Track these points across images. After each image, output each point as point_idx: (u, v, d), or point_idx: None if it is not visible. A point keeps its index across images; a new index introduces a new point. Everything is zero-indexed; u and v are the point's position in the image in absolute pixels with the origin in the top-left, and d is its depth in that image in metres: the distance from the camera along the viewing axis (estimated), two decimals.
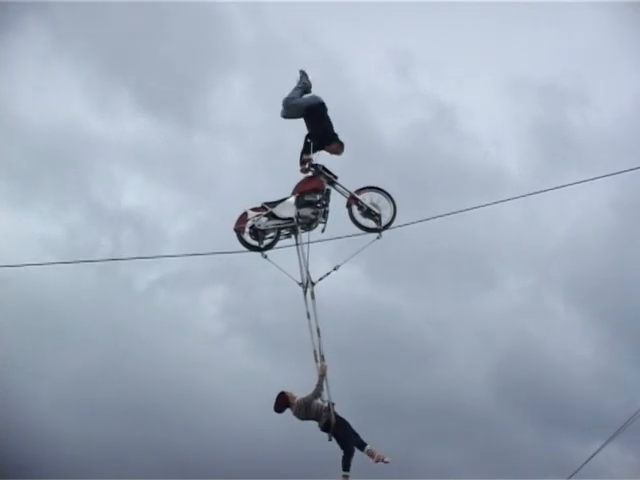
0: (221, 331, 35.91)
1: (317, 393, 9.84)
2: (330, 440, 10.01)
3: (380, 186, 10.78)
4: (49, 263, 13.94)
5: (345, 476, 9.80)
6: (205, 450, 31.37)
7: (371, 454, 9.77)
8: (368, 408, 10.33)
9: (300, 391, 10.18)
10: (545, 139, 40.39)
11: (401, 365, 30.81)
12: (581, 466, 14.86)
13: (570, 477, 14.86)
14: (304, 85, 10.81)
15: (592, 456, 14.84)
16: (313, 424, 10.14)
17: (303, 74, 10.88)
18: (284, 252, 10.83)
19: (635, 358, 33.70)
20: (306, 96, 10.89)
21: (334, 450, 10.25)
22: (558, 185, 12.03)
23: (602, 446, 14.99)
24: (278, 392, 10.17)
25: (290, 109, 10.76)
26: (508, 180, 33.49)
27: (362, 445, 9.86)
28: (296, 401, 9.93)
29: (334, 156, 10.89)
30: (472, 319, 34.99)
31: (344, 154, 10.93)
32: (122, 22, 39.28)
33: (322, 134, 10.75)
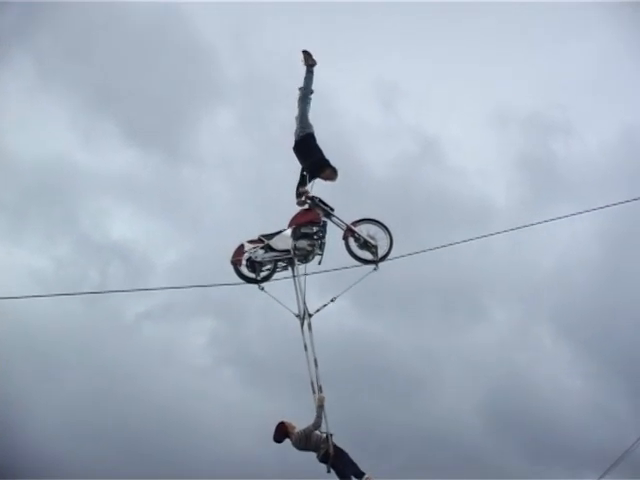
0: (209, 362, 35.78)
1: (317, 424, 9.84)
2: (329, 472, 9.96)
3: (377, 218, 10.81)
4: (33, 296, 13.90)
5: None
6: (196, 474, 31.24)
7: None
8: (357, 440, 10.31)
9: (296, 421, 10.21)
10: (530, 171, 40.57)
11: (390, 397, 30.74)
12: None
13: None
14: (307, 72, 10.70)
15: None
16: (311, 455, 10.09)
17: (306, 54, 10.76)
18: (278, 284, 10.83)
19: (623, 390, 33.76)
20: (297, 126, 10.80)
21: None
22: (545, 219, 12.14)
23: (602, 474, 15.02)
24: (278, 422, 10.18)
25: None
26: (495, 212, 33.64)
27: (360, 475, 9.83)
28: (296, 432, 9.93)
29: (322, 187, 10.89)
30: (460, 351, 35.00)
31: (331, 186, 10.97)
32: (108, 56, 39.39)
33: (314, 164, 10.74)
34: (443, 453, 31.17)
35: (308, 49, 10.68)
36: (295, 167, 11.07)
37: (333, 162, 10.85)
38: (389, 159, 33.58)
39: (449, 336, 35.24)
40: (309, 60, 10.64)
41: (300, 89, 10.83)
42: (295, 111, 10.91)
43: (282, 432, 10.10)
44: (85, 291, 19.40)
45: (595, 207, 12.70)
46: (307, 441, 9.90)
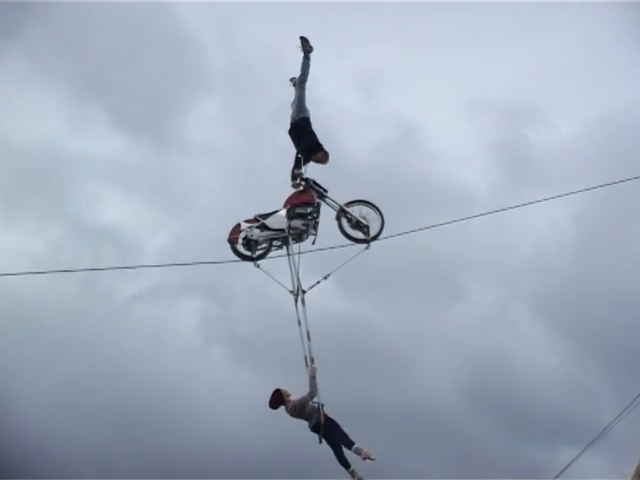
0: (199, 342, 35.92)
1: (312, 394, 9.99)
2: (320, 442, 10.13)
3: (369, 200, 10.93)
4: (28, 273, 13.97)
5: (352, 472, 9.99)
6: (187, 453, 31.36)
7: (359, 452, 9.86)
8: (344, 417, 10.45)
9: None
10: (506, 156, 40.93)
11: (375, 375, 30.92)
12: (558, 474, 14.88)
13: None
14: (305, 59, 10.76)
15: (568, 466, 14.87)
16: (297, 431, 10.41)
17: (304, 42, 10.81)
18: (271, 263, 10.93)
19: (600, 369, 34.13)
20: (293, 110, 10.91)
21: (313, 453, 10.52)
22: (522, 203, 12.24)
23: (578, 455, 15.03)
24: (273, 390, 10.29)
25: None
26: (473, 196, 33.82)
27: (350, 444, 9.97)
28: (292, 401, 10.08)
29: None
30: (443, 331, 35.18)
31: (317, 171, 11.05)
32: (97, 47, 39.38)
33: (307, 147, 10.80)
34: (427, 429, 31.48)
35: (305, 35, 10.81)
36: (280, 152, 11.22)
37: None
38: (370, 145, 33.72)
39: (431, 316, 35.41)
40: (306, 46, 10.71)
41: (292, 79, 10.95)
42: (285, 98, 11.08)
43: (278, 399, 10.23)
44: (80, 270, 19.59)
45: (570, 192, 12.87)
46: (301, 410, 10.06)
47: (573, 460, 14.57)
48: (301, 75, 10.71)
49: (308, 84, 10.83)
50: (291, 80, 10.83)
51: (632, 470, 11.00)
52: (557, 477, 14.43)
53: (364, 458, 9.88)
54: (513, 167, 40.04)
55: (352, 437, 10.11)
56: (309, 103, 10.88)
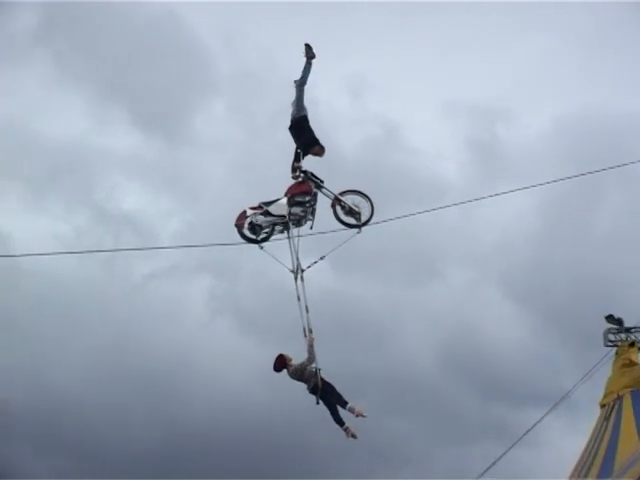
0: (208, 316, 35.85)
1: (311, 360, 9.99)
2: (318, 403, 10.07)
3: (360, 189, 10.83)
4: (57, 253, 13.86)
5: (346, 429, 9.94)
6: (197, 413, 31.37)
7: (352, 410, 9.88)
8: (337, 380, 10.39)
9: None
10: (478, 153, 40.93)
11: (363, 344, 30.92)
12: (525, 434, 14.83)
13: (516, 442, 14.68)
14: (307, 63, 10.55)
15: (534, 425, 14.86)
16: (293, 395, 10.44)
17: (308, 48, 10.59)
18: (274, 245, 10.85)
19: (560, 340, 34.14)
20: (293, 108, 10.74)
21: (311, 413, 10.41)
22: (493, 194, 12.27)
23: (543, 417, 15.01)
24: (277, 355, 10.27)
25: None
26: (449, 188, 33.84)
27: (344, 403, 9.92)
28: (293, 365, 10.09)
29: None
30: (421, 305, 35.21)
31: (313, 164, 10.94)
32: (117, 53, 39.14)
33: (306, 142, 10.69)
34: (407, 390, 31.50)
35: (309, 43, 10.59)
36: (280, 148, 11.11)
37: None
38: (358, 142, 33.59)
39: (412, 293, 35.42)
40: (309, 53, 10.51)
41: (295, 81, 10.77)
42: (284, 99, 11.01)
43: (281, 363, 10.21)
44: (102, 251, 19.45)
45: (534, 184, 12.76)
46: (301, 374, 10.04)
47: (539, 420, 14.54)
48: (301, 78, 10.60)
49: (307, 87, 10.67)
50: (295, 82, 10.68)
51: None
52: (524, 435, 14.38)
53: (357, 415, 9.86)
54: (485, 162, 40.01)
55: (346, 397, 10.03)
56: (307, 103, 10.72)
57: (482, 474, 14.57)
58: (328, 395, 9.97)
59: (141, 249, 15.32)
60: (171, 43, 39.65)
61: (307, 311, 10.23)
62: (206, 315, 35.86)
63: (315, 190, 10.68)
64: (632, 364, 19.23)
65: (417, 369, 32.37)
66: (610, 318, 19.83)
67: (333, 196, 10.72)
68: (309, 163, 10.78)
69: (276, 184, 10.94)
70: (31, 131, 40.88)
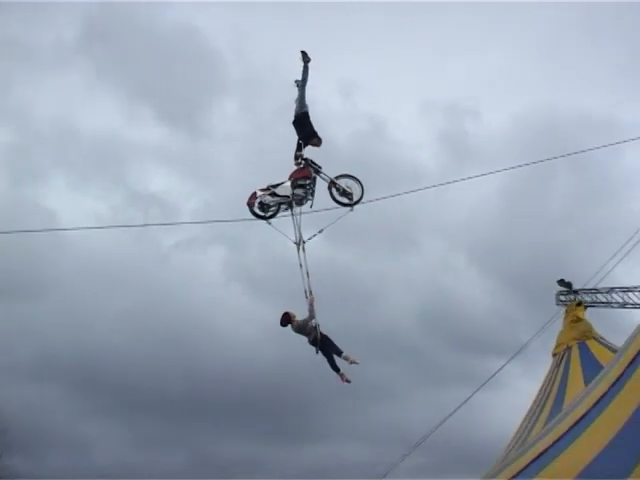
0: (222, 281, 36.27)
1: (312, 316, 10.12)
2: (317, 353, 10.17)
3: (352, 174, 10.83)
4: (96, 227, 14.05)
5: (341, 374, 10.07)
6: (213, 363, 31.77)
7: (346, 359, 10.01)
8: (332, 334, 10.57)
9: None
10: (450, 144, 41.37)
11: (353, 305, 31.31)
12: (489, 378, 14.96)
13: (482, 385, 14.77)
14: (305, 67, 10.52)
15: (497, 371, 14.99)
16: (304, 342, 10.30)
17: (304, 54, 10.57)
18: (280, 220, 10.86)
19: (518, 300, 34.55)
20: (296, 105, 10.67)
21: (311, 362, 10.50)
22: (462, 178, 12.38)
23: (504, 364, 15.14)
24: (283, 312, 10.37)
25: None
26: (425, 173, 34.29)
27: (340, 352, 10.06)
28: (297, 321, 10.22)
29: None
30: (402, 272, 35.68)
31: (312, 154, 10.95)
32: (147, 61, 39.33)
33: (306, 134, 10.67)
34: (391, 344, 31.92)
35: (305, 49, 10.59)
36: (284, 140, 11.17)
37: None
38: (350, 134, 33.85)
39: (394, 262, 35.87)
40: (305, 58, 10.53)
41: (296, 81, 10.76)
42: (286, 99, 10.99)
43: (286, 319, 10.32)
44: (134, 226, 19.68)
45: (496, 170, 12.86)
46: (303, 328, 10.18)
47: (501, 367, 14.81)
48: (302, 79, 10.59)
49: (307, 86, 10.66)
50: (295, 82, 10.69)
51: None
52: (489, 380, 14.64)
53: (351, 362, 10.03)
54: (455, 153, 40.54)
55: (341, 348, 10.18)
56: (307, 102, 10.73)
57: (453, 412, 14.86)
58: (326, 346, 10.11)
59: (166, 224, 15.51)
60: (190, 52, 39.98)
61: (308, 276, 10.34)
62: (221, 280, 36.25)
63: (314, 175, 10.70)
64: (579, 320, 19.57)
65: (399, 324, 32.84)
66: (561, 282, 20.14)
67: (329, 180, 10.76)
68: (309, 152, 10.85)
69: (281, 170, 11.01)
70: (75, 126, 41.56)
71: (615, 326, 19.28)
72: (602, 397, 10.47)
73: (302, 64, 10.56)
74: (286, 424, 32.22)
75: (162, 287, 34.30)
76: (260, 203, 10.58)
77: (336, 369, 10.08)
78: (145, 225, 17.08)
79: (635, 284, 19.71)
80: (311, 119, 10.58)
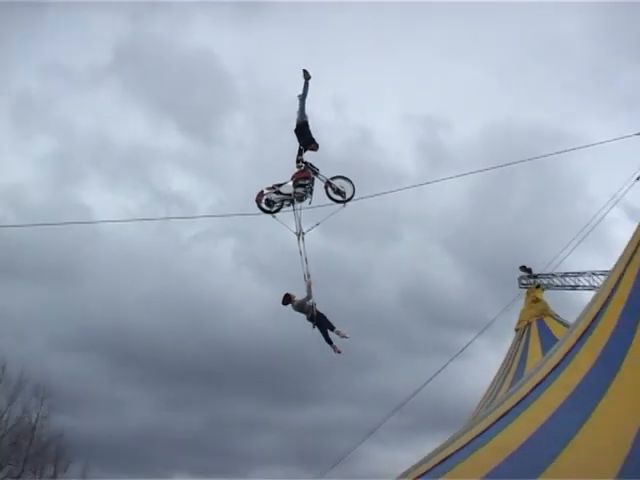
0: (234, 267, 36.33)
1: (309, 297, 10.13)
2: (314, 328, 10.19)
3: (345, 175, 10.81)
4: (124, 220, 14.09)
5: (334, 347, 10.07)
6: (224, 337, 31.90)
7: (338, 333, 10.02)
8: (327, 311, 10.62)
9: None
10: (427, 150, 41.61)
11: (344, 287, 31.44)
12: (460, 350, 14.98)
13: (455, 356, 14.77)
14: (305, 83, 10.44)
15: (467, 344, 15.01)
16: (302, 319, 10.32)
17: (305, 72, 10.49)
18: (283, 215, 10.79)
19: (486, 283, 34.72)
20: (298, 116, 10.59)
21: (308, 336, 10.52)
22: (437, 179, 12.42)
23: (474, 338, 15.16)
24: (284, 293, 10.38)
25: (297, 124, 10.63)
26: (406, 175, 34.54)
27: (333, 328, 10.07)
28: (296, 300, 10.22)
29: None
30: (386, 260, 35.79)
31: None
32: (168, 80, 39.45)
33: (306, 141, 10.62)
34: (375, 321, 32.02)
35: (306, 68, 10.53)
36: (286, 147, 11.16)
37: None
38: (341, 142, 33.93)
39: (380, 251, 35.98)
40: (306, 75, 10.48)
41: (298, 95, 10.73)
42: (288, 112, 10.95)
43: (287, 299, 10.32)
44: (157, 219, 19.72)
45: (466, 173, 12.92)
46: (302, 307, 10.18)
47: (471, 341, 14.91)
48: (303, 94, 10.56)
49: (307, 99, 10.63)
50: (298, 96, 10.65)
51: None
52: (460, 352, 14.74)
53: (342, 337, 10.08)
54: (431, 158, 40.83)
55: (334, 324, 10.23)
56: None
57: (431, 378, 14.93)
58: (321, 322, 10.14)
59: (185, 217, 15.52)
60: (206, 73, 40.23)
61: (306, 262, 10.35)
62: (232, 266, 36.38)
63: (313, 176, 10.68)
64: (537, 300, 19.71)
65: (383, 304, 33.02)
66: (522, 268, 20.26)
67: (325, 180, 10.76)
68: (308, 156, 10.82)
69: (284, 172, 10.99)
70: (108, 135, 41.77)
71: (568, 305, 19.45)
72: (557, 365, 10.58)
73: (303, 80, 10.52)
74: (286, 389, 32.51)
75: (182, 272, 34.48)
76: (266, 200, 10.58)
77: (329, 342, 10.11)
78: (167, 218, 17.13)
79: (584, 269, 19.86)
80: (310, 128, 10.57)
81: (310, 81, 10.49)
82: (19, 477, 19.99)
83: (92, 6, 38.80)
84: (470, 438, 10.21)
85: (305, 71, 10.54)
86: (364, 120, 45.01)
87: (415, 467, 10.63)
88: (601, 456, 7.73)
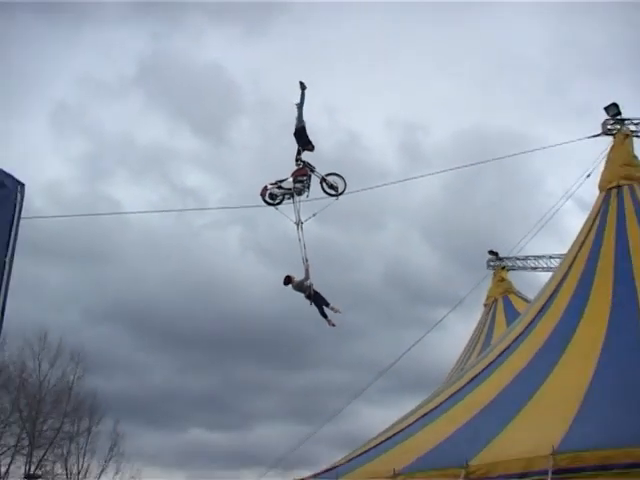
0: (240, 252, 36.22)
1: (307, 277, 10.00)
2: (311, 305, 10.05)
3: (338, 172, 10.73)
4: (149, 211, 14.08)
5: (328, 320, 9.96)
6: (232, 314, 31.95)
7: (332, 308, 9.92)
8: (322, 290, 10.58)
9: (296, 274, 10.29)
10: (407, 150, 41.49)
11: (336, 269, 31.42)
12: (436, 323, 14.93)
13: (429, 330, 14.65)
14: (302, 93, 10.33)
15: (442, 318, 14.95)
16: (301, 297, 10.15)
17: (301, 83, 10.37)
18: (284, 207, 10.59)
19: (459, 265, 34.79)
20: (296, 121, 10.41)
21: (306, 311, 10.34)
22: (416, 176, 12.50)
23: (447, 313, 15.11)
24: (285, 275, 10.24)
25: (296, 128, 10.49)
26: (389, 172, 34.46)
27: (327, 304, 9.95)
28: (295, 281, 10.11)
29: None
30: (372, 245, 35.79)
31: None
32: (183, 90, 39.27)
33: (304, 143, 10.50)
34: (364, 297, 32.13)
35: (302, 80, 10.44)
36: (287, 148, 11.08)
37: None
38: (332, 144, 33.76)
39: (366, 238, 35.95)
40: (302, 86, 10.40)
41: (296, 104, 10.61)
42: (288, 117, 10.82)
43: (287, 280, 10.16)
44: (174, 210, 19.69)
45: (440, 171, 13.18)
46: (300, 286, 10.05)
47: (445, 315, 14.98)
48: (300, 102, 10.47)
49: (292, 112, 10.51)
50: (295, 104, 10.57)
51: None
52: (436, 325, 14.78)
53: (335, 311, 10.00)
54: (411, 157, 40.63)
55: (328, 300, 10.10)
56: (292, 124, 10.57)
57: (410, 347, 14.97)
58: (317, 299, 10.04)
59: (198, 209, 15.48)
60: (215, 83, 40.00)
61: (304, 248, 10.30)
62: (239, 251, 36.29)
63: (310, 173, 10.55)
64: (503, 280, 19.83)
65: (369, 284, 33.08)
66: (490, 252, 20.33)
67: (321, 176, 10.63)
68: (305, 156, 10.68)
69: (284, 170, 10.89)
70: (132, 138, 41.52)
71: (529, 284, 19.53)
72: (519, 335, 10.69)
73: (300, 90, 10.46)
74: (286, 356, 32.66)
75: (195, 256, 34.45)
76: (270, 194, 10.46)
77: (324, 316, 10.05)
78: (183, 210, 17.11)
79: (543, 253, 19.96)
80: (307, 131, 10.50)
81: (306, 91, 10.43)
82: (60, 428, 20.47)
83: (119, 26, 40.54)
84: (445, 397, 10.34)
85: (301, 82, 10.46)
86: (352, 125, 45.28)
87: (400, 421, 10.74)
88: (556, 409, 7.85)
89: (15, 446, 19.90)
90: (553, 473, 6.60)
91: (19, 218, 3.23)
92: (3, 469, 19.45)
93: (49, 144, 43.55)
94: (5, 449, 19.70)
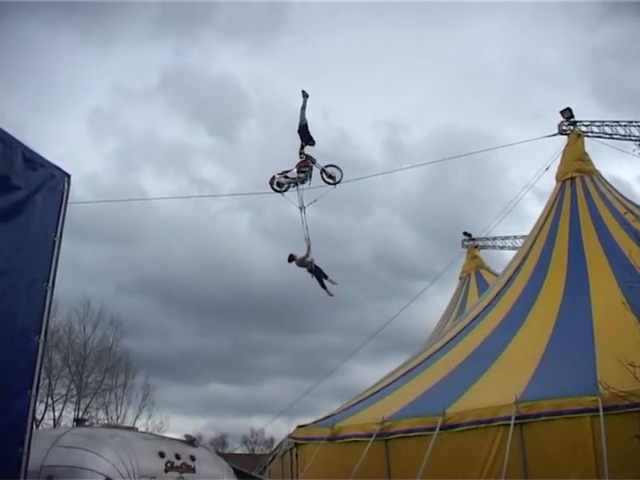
0: (248, 232, 36.23)
1: (308, 255, 9.87)
2: (312, 277, 9.90)
3: (336, 164, 10.47)
4: (170, 197, 14.00)
5: (327, 291, 9.86)
6: (242, 284, 32.08)
7: (330, 281, 9.90)
8: (322, 264, 10.54)
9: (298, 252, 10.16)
10: (391, 147, 41.52)
11: (333, 248, 31.47)
12: (418, 295, 14.79)
13: (412, 300, 14.53)
14: (304, 100, 10.22)
15: (423, 290, 14.83)
16: (303, 271, 10.02)
17: (304, 92, 10.29)
18: (290, 194, 10.55)
19: (437, 244, 34.89)
20: (299, 120, 10.21)
21: (308, 283, 10.25)
22: (397, 169, 12.46)
23: (427, 286, 14.91)
24: (289, 253, 10.08)
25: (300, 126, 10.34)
26: (375, 165, 34.52)
27: (326, 277, 9.83)
28: (298, 258, 9.99)
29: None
30: (362, 229, 35.79)
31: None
32: (200, 97, 39.01)
33: (307, 139, 10.32)
34: (354, 271, 32.32)
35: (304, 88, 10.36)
36: (290, 144, 10.99)
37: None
38: (326, 142, 33.55)
39: (357, 222, 35.94)
40: (305, 94, 10.37)
41: (300, 108, 10.55)
42: (291, 119, 10.76)
43: (291, 257, 9.98)
44: (193, 197, 19.60)
45: (420, 164, 13.18)
46: (303, 263, 9.88)
47: (425, 287, 15.01)
48: (302, 107, 10.40)
49: (290, 113, 10.50)
50: (300, 109, 10.52)
51: None
52: (417, 296, 14.73)
53: (333, 283, 9.92)
54: (394, 152, 40.67)
55: (326, 273, 9.97)
56: (292, 124, 10.50)
57: (396, 315, 14.92)
58: (317, 273, 9.96)
59: (213, 196, 15.37)
60: (227, 90, 39.78)
61: (307, 229, 10.21)
62: (248, 232, 36.26)
63: (311, 164, 10.35)
64: (475, 257, 19.89)
65: (359, 261, 33.21)
66: (465, 233, 20.37)
67: (320, 168, 10.41)
68: (308, 150, 10.44)
69: (289, 162, 10.82)
70: (156, 137, 41.41)
71: (497, 261, 19.63)
72: (489, 304, 10.81)
73: (302, 98, 10.42)
74: (289, 322, 32.88)
75: (210, 237, 34.45)
76: (277, 182, 10.28)
77: (324, 287, 9.98)
78: (200, 197, 17.11)
79: (509, 235, 20.02)
80: (309, 129, 10.45)
81: (307, 97, 10.41)
82: (102, 381, 21.45)
83: (145, 42, 40.06)
84: (426, 357, 10.49)
85: (304, 91, 10.46)
86: (344, 125, 45.26)
87: (387, 377, 10.90)
88: (519, 366, 8.00)
89: (66, 395, 21.03)
90: (516, 418, 6.79)
91: (66, 204, 3.28)
92: (57, 413, 20.54)
93: (87, 143, 43.54)
94: (58, 397, 20.83)
